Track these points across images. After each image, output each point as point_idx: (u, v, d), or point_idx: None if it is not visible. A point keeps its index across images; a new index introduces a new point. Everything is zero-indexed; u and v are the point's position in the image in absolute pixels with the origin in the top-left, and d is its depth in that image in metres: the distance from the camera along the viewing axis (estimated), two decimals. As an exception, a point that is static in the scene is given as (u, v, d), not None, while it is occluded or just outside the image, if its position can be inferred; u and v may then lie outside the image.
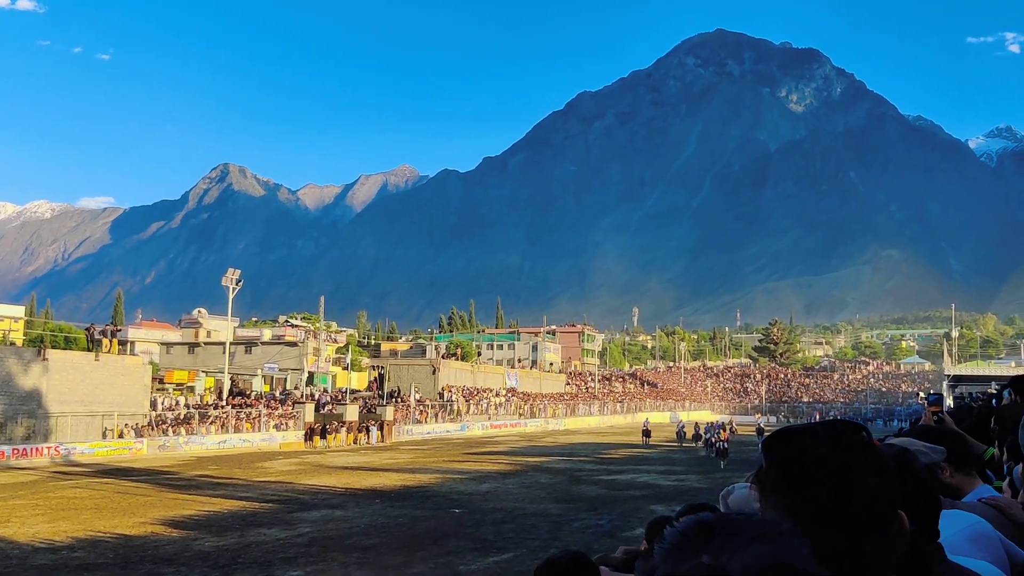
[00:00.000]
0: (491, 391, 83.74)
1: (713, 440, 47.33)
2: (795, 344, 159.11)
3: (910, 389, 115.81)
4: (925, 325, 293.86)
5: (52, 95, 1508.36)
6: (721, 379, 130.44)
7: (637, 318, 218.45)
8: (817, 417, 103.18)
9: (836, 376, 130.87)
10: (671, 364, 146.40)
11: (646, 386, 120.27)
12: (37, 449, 43.04)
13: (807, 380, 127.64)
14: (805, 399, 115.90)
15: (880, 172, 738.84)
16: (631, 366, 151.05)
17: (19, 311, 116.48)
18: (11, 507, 26.01)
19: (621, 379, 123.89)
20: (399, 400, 70.61)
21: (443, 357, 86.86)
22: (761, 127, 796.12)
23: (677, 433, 61.91)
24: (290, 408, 60.85)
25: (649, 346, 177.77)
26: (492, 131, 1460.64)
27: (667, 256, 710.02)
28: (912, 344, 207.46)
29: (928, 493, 1.91)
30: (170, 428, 52.84)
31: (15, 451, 42.01)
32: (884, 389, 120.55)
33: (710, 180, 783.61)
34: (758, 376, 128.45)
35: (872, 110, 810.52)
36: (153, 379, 60.43)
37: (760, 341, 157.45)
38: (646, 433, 59.58)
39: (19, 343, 69.84)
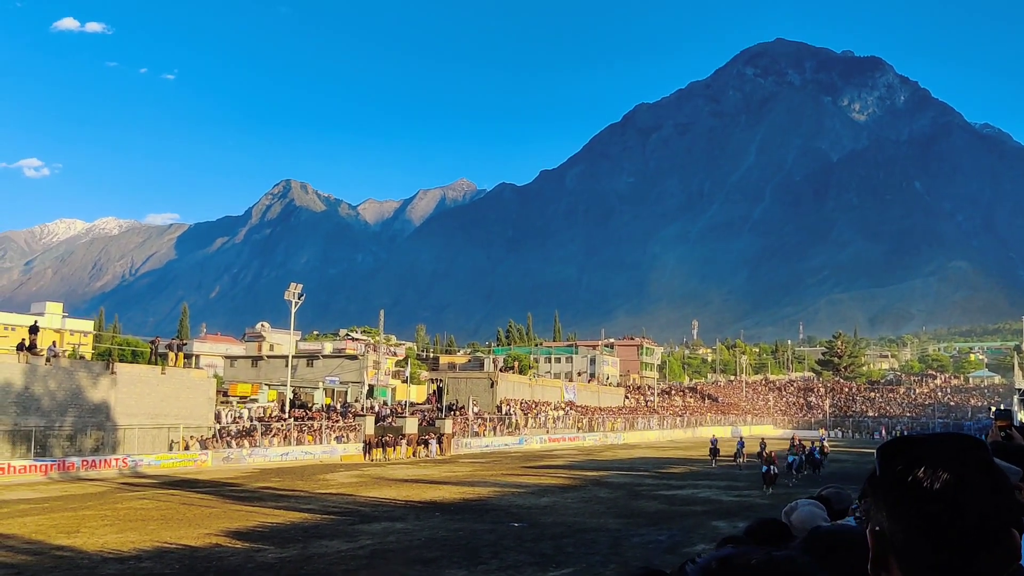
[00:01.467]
0: (549, 404, 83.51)
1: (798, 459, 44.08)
2: (859, 357, 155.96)
3: (979, 403, 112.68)
4: (994, 337, 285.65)
5: (119, 115, 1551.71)
6: (784, 393, 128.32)
7: (697, 331, 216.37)
8: (883, 432, 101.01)
9: (902, 390, 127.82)
10: (732, 378, 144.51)
11: (706, 400, 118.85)
12: (105, 461, 43.99)
13: (872, 394, 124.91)
14: (870, 414, 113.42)
15: (946, 182, 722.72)
16: (691, 380, 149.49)
17: (88, 326, 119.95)
18: (80, 517, 26.60)
19: (681, 393, 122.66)
20: (457, 413, 70.78)
21: (501, 370, 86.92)
22: (823, 137, 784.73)
23: (715, 449, 53.56)
24: (351, 420, 61.37)
25: (709, 359, 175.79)
26: (549, 144, 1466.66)
27: (727, 268, 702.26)
28: (981, 357, 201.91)
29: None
30: (234, 440, 53.61)
31: (84, 462, 42.99)
32: (952, 403, 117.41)
33: (771, 191, 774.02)
34: (822, 390, 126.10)
35: (937, 118, 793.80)
36: (217, 392, 61.41)
37: (823, 354, 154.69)
38: (714, 451, 52.19)
39: (88, 357, 71.75)
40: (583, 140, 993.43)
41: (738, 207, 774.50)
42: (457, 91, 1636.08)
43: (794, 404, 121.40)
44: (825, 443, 48.59)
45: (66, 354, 56.57)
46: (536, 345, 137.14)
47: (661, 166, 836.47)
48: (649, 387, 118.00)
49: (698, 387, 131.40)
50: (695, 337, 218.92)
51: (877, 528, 1.41)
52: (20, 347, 45.63)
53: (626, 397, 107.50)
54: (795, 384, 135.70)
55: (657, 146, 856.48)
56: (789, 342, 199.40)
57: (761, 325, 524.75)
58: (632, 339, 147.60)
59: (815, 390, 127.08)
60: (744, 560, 1.24)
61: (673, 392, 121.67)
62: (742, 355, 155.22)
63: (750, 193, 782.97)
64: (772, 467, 36.24)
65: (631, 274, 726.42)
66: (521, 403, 79.56)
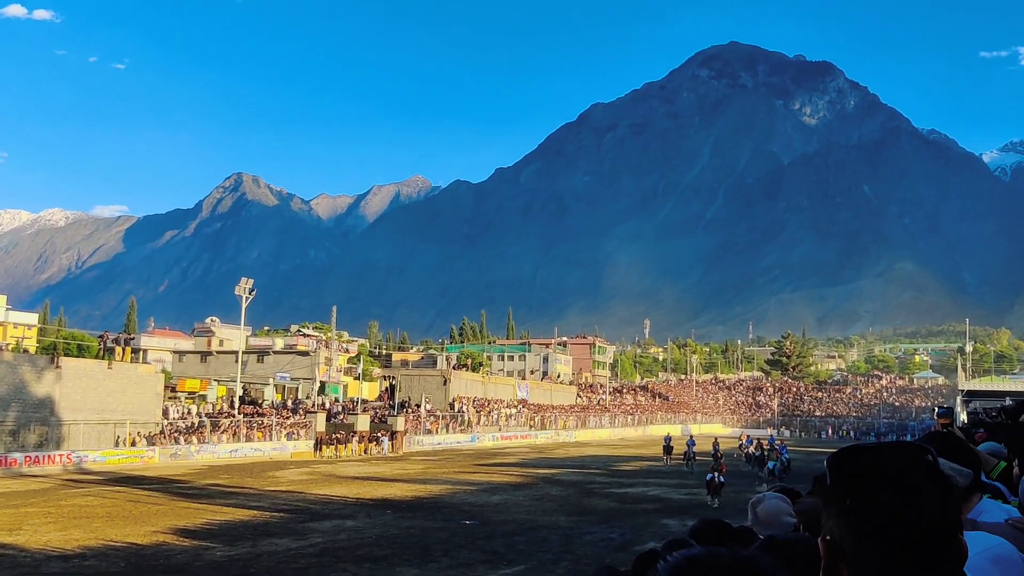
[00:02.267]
0: (502, 402, 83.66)
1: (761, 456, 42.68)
2: (808, 357, 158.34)
3: (923, 404, 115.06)
4: (939, 339, 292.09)
5: (67, 104, 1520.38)
6: (733, 392, 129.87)
7: (649, 330, 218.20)
8: (830, 432, 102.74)
9: (848, 390, 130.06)
10: (683, 377, 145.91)
11: (657, 399, 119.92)
12: (49, 457, 43.17)
13: (819, 394, 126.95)
14: (818, 413, 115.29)
15: (894, 185, 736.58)
16: (642, 378, 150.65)
17: (33, 319, 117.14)
18: (23, 515, 26.08)
19: (632, 391, 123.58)
20: (410, 410, 70.62)
21: (454, 368, 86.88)
22: (775, 140, 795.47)
23: (668, 447, 51.76)
24: (302, 417, 60.91)
25: (661, 358, 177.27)
26: (504, 142, 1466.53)
27: (680, 267, 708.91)
28: (925, 358, 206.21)
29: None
30: (182, 437, 52.94)
31: (27, 458, 42.14)
32: (897, 404, 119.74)
33: (723, 192, 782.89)
34: (770, 389, 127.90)
35: (886, 123, 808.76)
36: (165, 387, 60.60)
37: (773, 354, 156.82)
38: (668, 449, 51.02)
39: (32, 350, 70.30)
40: (539, 138, 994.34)
41: (692, 207, 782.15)
42: (412, 87, 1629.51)
43: (743, 403, 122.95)
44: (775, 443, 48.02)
45: (9, 347, 55.37)
46: (490, 343, 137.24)
47: (616, 165, 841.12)
48: (601, 385, 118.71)
49: (649, 386, 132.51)
50: (647, 336, 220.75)
51: (828, 537, 1.43)
52: (-39, 340, 44.57)
53: (578, 395, 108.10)
54: (744, 383, 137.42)
55: (612, 145, 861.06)
56: (739, 342, 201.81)
57: (712, 324, 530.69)
58: (585, 338, 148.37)
59: (764, 389, 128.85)
60: (712, 559, 1.27)
61: (625, 391, 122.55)
62: (693, 355, 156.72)
63: (703, 193, 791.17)
64: (717, 475, 31.53)
65: (585, 272, 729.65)
66: (474, 401, 79.61)
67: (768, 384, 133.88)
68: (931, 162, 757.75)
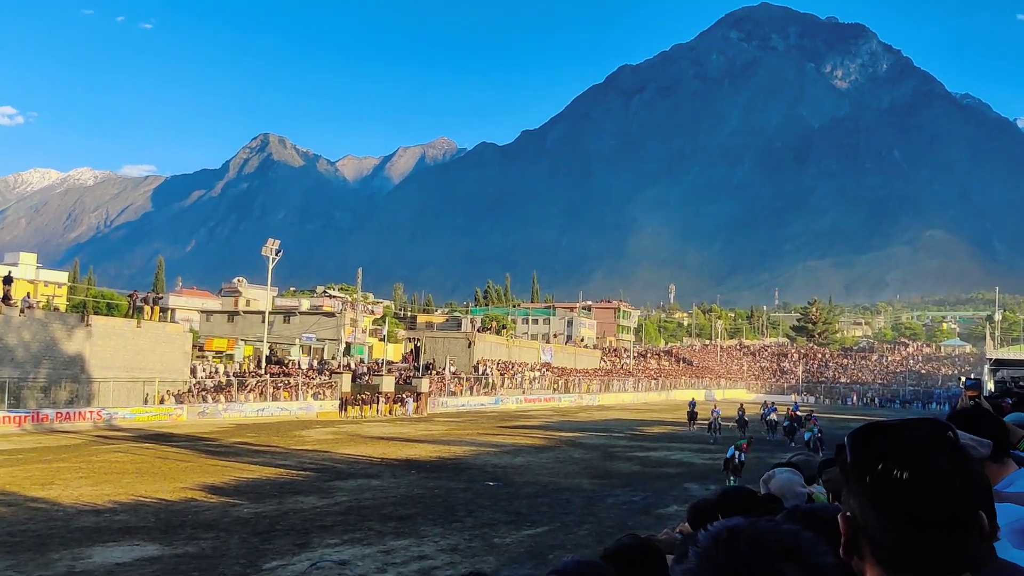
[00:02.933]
0: (526, 365, 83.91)
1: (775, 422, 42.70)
2: (834, 324, 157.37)
3: (950, 372, 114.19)
4: (967, 307, 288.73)
5: (96, 64, 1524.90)
6: (758, 358, 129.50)
7: (674, 295, 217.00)
8: (855, 398, 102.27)
9: (875, 357, 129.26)
10: (707, 342, 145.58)
11: (681, 363, 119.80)
12: (80, 413, 43.86)
13: (845, 360, 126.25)
14: (843, 380, 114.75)
15: (925, 151, 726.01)
16: (667, 343, 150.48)
17: (63, 277, 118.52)
18: (55, 470, 26.58)
19: (656, 356, 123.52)
20: (434, 372, 71.01)
21: (478, 331, 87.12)
22: (805, 103, 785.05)
23: (693, 413, 50.31)
24: (327, 378, 61.42)
25: (685, 323, 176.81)
26: (531, 105, 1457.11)
27: (706, 233, 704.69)
28: (953, 326, 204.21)
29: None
30: (209, 395, 53.58)
31: (59, 414, 42.85)
32: (923, 371, 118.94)
33: (751, 156, 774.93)
34: (795, 356, 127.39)
35: (919, 87, 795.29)
36: (193, 346, 61.22)
37: (798, 320, 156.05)
38: (692, 416, 49.94)
39: (63, 309, 71.12)
40: (565, 101, 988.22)
41: (718, 171, 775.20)
42: (439, 48, 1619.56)
43: (767, 369, 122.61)
44: (796, 411, 47.16)
45: (40, 305, 56.07)
46: (514, 306, 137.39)
47: (643, 128, 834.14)
48: (625, 350, 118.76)
49: (673, 351, 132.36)
50: (672, 301, 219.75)
51: (849, 514, 1.43)
52: (-7, 297, 45.17)
53: (602, 359, 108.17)
54: (769, 349, 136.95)
55: (639, 108, 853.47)
56: (765, 308, 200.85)
57: (738, 290, 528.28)
58: (609, 302, 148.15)
59: (789, 356, 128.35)
60: (752, 530, 1.25)
61: (649, 355, 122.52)
62: (718, 320, 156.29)
63: (731, 158, 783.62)
64: (739, 454, 27.42)
65: (610, 236, 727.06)
66: (498, 363, 79.89)
67: (793, 350, 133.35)
68: (964, 127, 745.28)
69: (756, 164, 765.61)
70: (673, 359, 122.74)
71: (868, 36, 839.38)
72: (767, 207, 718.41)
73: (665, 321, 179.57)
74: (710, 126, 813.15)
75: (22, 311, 45.30)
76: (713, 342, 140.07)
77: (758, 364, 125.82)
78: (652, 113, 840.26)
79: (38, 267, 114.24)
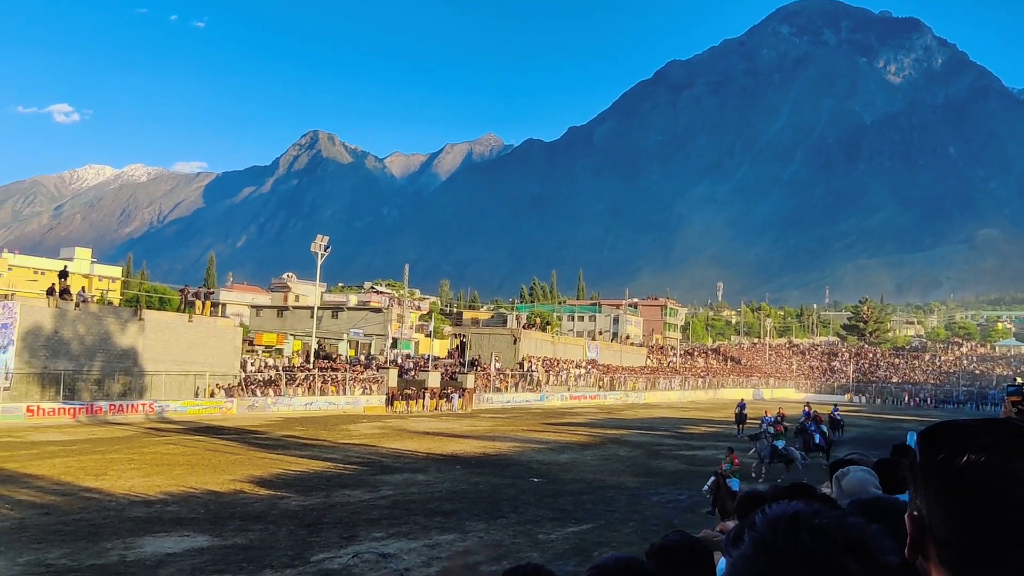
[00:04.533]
0: (571, 362, 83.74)
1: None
2: (885, 323, 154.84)
3: (1005, 372, 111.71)
4: (1023, 307, 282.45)
5: (149, 62, 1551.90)
6: (807, 357, 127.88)
7: (722, 293, 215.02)
8: (907, 398, 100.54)
9: (927, 357, 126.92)
10: (756, 340, 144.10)
11: (729, 362, 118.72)
12: (132, 406, 44.66)
13: (896, 360, 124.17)
14: (894, 380, 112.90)
15: (981, 147, 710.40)
16: (714, 341, 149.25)
17: (116, 272, 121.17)
18: (108, 460, 27.09)
19: (704, 354, 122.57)
20: (479, 368, 71.16)
21: (524, 327, 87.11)
22: (857, 98, 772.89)
23: (742, 415, 46.60)
24: (374, 373, 61.86)
25: (733, 321, 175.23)
26: (578, 101, 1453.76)
27: (755, 230, 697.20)
28: (1008, 326, 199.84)
29: None
30: (259, 389, 54.23)
31: (112, 407, 43.68)
32: (977, 372, 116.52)
33: (802, 153, 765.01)
34: (846, 355, 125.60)
35: (974, 82, 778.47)
36: (243, 341, 62.00)
37: (849, 319, 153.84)
38: (741, 418, 46.08)
39: (116, 303, 72.55)
40: (613, 96, 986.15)
41: (768, 168, 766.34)
42: (486, 44, 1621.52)
43: (817, 368, 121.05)
44: (836, 413, 45.27)
45: (95, 299, 57.25)
46: (559, 303, 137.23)
47: (691, 124, 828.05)
48: (672, 348, 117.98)
49: (721, 349, 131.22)
50: (720, 299, 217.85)
51: (916, 513, 1.37)
52: (50, 291, 46.19)
53: (648, 357, 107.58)
54: (819, 348, 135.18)
55: (688, 104, 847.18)
56: (815, 306, 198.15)
57: (787, 288, 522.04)
58: (656, 299, 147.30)
59: (839, 355, 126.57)
60: (814, 520, 1.17)
61: (696, 353, 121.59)
62: (767, 318, 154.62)
63: (781, 154, 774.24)
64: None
65: (657, 234, 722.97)
66: (543, 360, 79.82)
67: (844, 349, 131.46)
68: (1021, 123, 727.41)
69: (806, 160, 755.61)
70: (721, 358, 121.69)
71: (923, 30, 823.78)
72: (817, 204, 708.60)
73: (713, 319, 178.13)
74: (760, 122, 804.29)
75: (77, 305, 46.26)
76: (762, 340, 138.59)
77: (807, 363, 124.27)
78: (701, 109, 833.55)
79: (93, 262, 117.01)
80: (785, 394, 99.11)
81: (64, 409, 41.46)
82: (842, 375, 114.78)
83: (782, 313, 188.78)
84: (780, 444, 28.75)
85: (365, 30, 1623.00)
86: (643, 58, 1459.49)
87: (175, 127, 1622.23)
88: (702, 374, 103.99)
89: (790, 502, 1.25)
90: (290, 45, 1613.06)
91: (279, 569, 14.20)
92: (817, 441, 32.35)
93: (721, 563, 2.67)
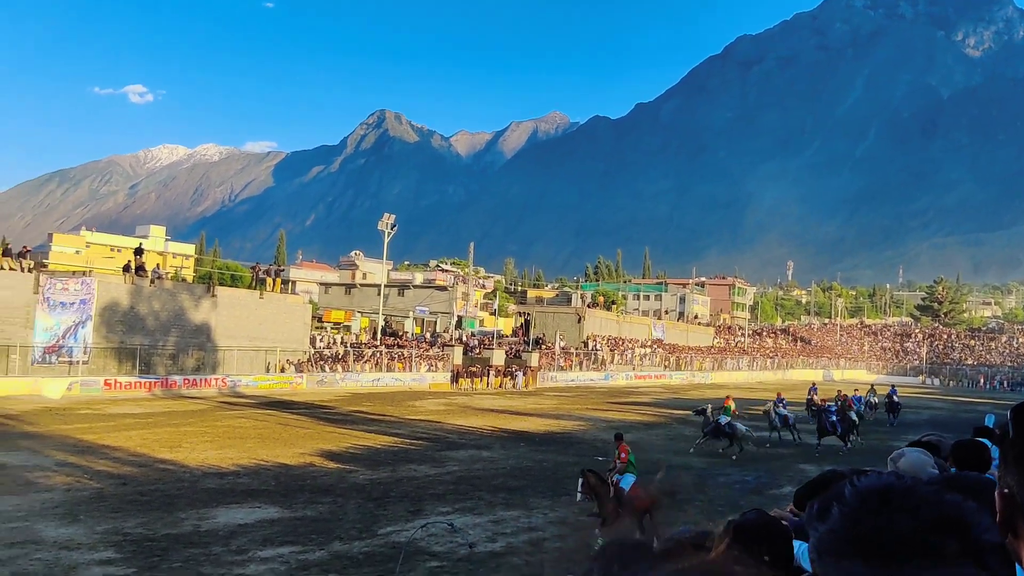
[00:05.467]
0: (636, 341, 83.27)
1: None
2: (961, 304, 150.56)
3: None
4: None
5: (220, 43, 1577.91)
6: (879, 338, 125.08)
7: (792, 272, 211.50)
8: (982, 381, 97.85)
9: (1004, 339, 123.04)
10: (826, 321, 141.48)
11: (799, 342, 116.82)
12: (206, 380, 45.77)
13: (972, 342, 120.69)
14: (969, 362, 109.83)
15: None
16: (783, 321, 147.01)
17: (190, 249, 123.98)
18: (182, 433, 27.83)
19: (772, 334, 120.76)
20: (544, 347, 71.24)
21: (589, 306, 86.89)
22: (934, 72, 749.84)
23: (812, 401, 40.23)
24: (439, 350, 62.38)
25: (803, 301, 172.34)
26: (645, 77, 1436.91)
27: (826, 208, 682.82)
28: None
29: None
30: (327, 365, 55.13)
31: (186, 381, 44.83)
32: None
33: (876, 128, 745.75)
34: (919, 336, 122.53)
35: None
36: (312, 317, 63.02)
37: (923, 300, 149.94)
38: (812, 405, 39.16)
39: (190, 279, 74.23)
40: (681, 73, 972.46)
41: (840, 144, 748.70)
42: (552, 21, 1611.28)
43: (889, 349, 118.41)
44: (895, 395, 42.90)
45: (169, 276, 58.61)
46: (625, 282, 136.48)
47: (761, 100, 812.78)
48: (740, 327, 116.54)
49: (790, 329, 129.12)
50: (790, 278, 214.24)
51: (1006, 491, 1.29)
52: (126, 268, 47.46)
53: (715, 337, 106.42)
54: (892, 329, 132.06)
55: (758, 79, 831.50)
56: (888, 286, 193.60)
57: (859, 268, 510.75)
58: (724, 278, 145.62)
59: (912, 336, 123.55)
60: (908, 495, 1.11)
61: (764, 333, 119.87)
62: (838, 298, 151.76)
63: (853, 130, 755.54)
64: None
65: (725, 212, 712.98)
66: (608, 339, 79.52)
67: (917, 330, 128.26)
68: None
69: (880, 137, 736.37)
70: (790, 338, 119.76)
71: (1003, 2, 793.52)
72: (891, 181, 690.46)
73: (782, 299, 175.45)
74: (832, 97, 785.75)
75: (152, 281, 47.47)
76: (832, 321, 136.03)
77: (879, 344, 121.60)
78: (771, 84, 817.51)
79: (167, 240, 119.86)
80: (855, 375, 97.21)
81: (140, 383, 42.66)
82: (915, 357, 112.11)
83: (854, 293, 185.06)
84: (723, 420, 28.50)
85: (432, 9, 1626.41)
86: (712, 34, 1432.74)
87: (246, 107, 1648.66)
88: (770, 354, 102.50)
89: (880, 475, 1.19)
90: (358, 24, 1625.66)
91: (348, 541, 14.46)
92: (832, 425, 30.49)
93: (798, 546, 2.61)
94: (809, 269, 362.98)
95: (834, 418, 30.50)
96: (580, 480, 15.08)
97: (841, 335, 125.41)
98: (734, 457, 27.05)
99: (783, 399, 33.72)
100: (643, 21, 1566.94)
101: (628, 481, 14.93)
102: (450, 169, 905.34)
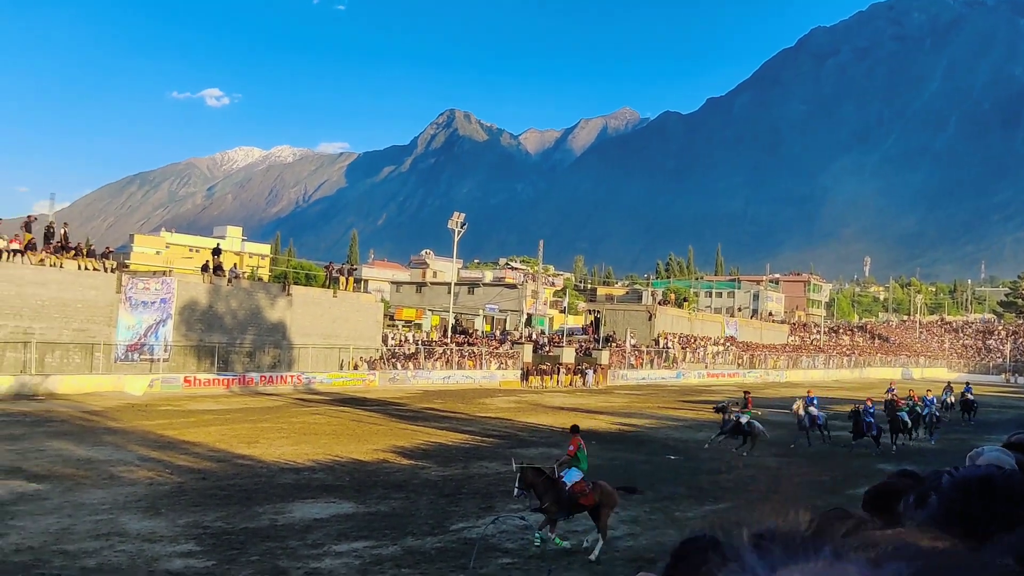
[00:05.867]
0: (708, 339, 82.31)
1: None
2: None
3: None
4: None
5: (293, 45, 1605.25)
6: (960, 335, 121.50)
7: (869, 268, 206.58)
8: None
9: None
10: (905, 317, 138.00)
11: (876, 340, 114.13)
12: (281, 377, 46.66)
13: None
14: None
15: None
16: (861, 318, 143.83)
17: (265, 249, 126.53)
18: (259, 429, 28.41)
19: (849, 332, 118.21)
20: (614, 345, 70.89)
21: (660, 303, 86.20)
22: (1016, 61, 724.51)
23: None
24: (509, 348, 62.54)
25: (881, 298, 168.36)
26: (717, 71, 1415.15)
27: (904, 202, 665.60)
28: None
29: None
30: (399, 362, 55.72)
31: (262, 378, 45.77)
32: None
33: (955, 120, 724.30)
34: (1003, 333, 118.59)
35: None
36: (384, 316, 63.74)
37: (1007, 295, 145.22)
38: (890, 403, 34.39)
39: (265, 279, 75.73)
40: (753, 66, 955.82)
41: (919, 136, 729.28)
42: (622, 16, 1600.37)
43: (971, 347, 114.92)
44: (969, 393, 41.34)
45: (246, 276, 59.88)
46: (697, 279, 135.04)
47: (836, 93, 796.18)
48: (815, 325, 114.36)
49: (868, 326, 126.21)
50: (867, 274, 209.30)
51: None
52: (204, 268, 48.66)
53: (790, 334, 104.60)
54: (973, 326, 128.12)
55: (833, 72, 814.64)
56: (969, 281, 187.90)
57: (939, 263, 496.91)
58: (799, 275, 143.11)
59: (995, 333, 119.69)
60: (1010, 485, 1.08)
61: (841, 331, 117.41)
62: (917, 294, 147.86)
63: (933, 122, 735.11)
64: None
65: (800, 207, 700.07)
66: (679, 337, 78.78)
67: (1001, 327, 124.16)
68: None
69: (961, 128, 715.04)
70: (867, 335, 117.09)
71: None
72: (972, 174, 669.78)
73: (859, 295, 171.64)
74: (910, 89, 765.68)
75: (229, 281, 48.58)
76: (912, 317, 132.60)
77: (961, 342, 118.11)
78: (846, 76, 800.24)
79: (243, 240, 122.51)
80: (936, 373, 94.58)
81: (218, 380, 43.69)
82: (998, 355, 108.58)
83: (933, 289, 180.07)
84: (743, 418, 27.63)
85: (499, 7, 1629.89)
86: (785, 26, 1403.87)
87: (319, 109, 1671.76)
88: (847, 352, 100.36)
89: (978, 467, 1.16)
90: (427, 25, 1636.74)
91: (420, 537, 14.59)
92: (867, 425, 29.09)
93: None
94: (887, 265, 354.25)
95: (870, 419, 29.22)
96: (518, 476, 14.55)
97: (920, 332, 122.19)
98: (744, 454, 26.48)
99: (814, 398, 32.49)
100: (714, 15, 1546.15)
101: (572, 476, 14.36)
102: (519, 167, 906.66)
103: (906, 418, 30.92)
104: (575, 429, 16.00)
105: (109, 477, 18.96)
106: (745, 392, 30.31)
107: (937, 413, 32.56)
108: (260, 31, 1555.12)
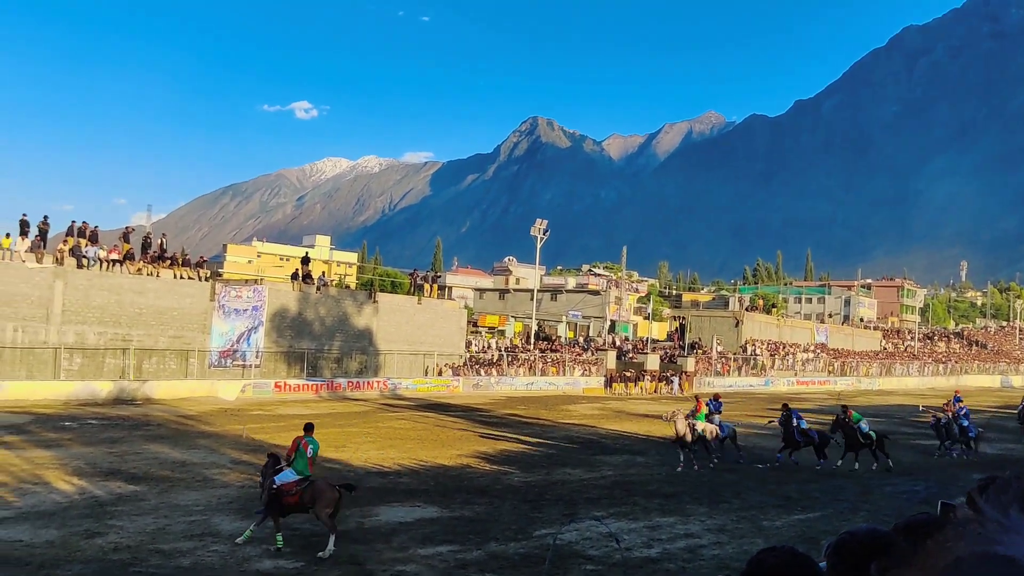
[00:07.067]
0: (798, 346, 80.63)
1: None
2: None
3: None
4: None
5: (379, 57, 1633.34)
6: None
7: (966, 272, 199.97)
8: None
9: None
10: (1004, 323, 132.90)
11: (974, 347, 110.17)
12: (368, 383, 47.46)
13: None
14: None
15: None
16: (957, 324, 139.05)
17: (352, 257, 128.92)
18: (347, 434, 28.93)
19: (945, 338, 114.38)
20: (700, 351, 70.01)
21: (747, 309, 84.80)
22: None
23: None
24: (593, 355, 62.33)
25: (979, 303, 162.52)
26: (804, 72, 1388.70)
27: (1003, 204, 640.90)
28: None
29: None
30: (483, 368, 56.06)
31: (350, 383, 46.63)
32: None
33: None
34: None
35: None
36: (468, 322, 64.25)
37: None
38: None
39: (353, 286, 77.16)
40: (843, 67, 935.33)
41: (1018, 136, 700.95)
42: (706, 19, 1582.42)
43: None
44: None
45: (333, 283, 61.12)
46: (785, 284, 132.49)
47: (929, 93, 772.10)
48: (909, 331, 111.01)
49: (965, 332, 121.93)
50: (963, 279, 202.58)
51: None
52: (294, 276, 49.87)
53: (883, 341, 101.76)
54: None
55: (926, 71, 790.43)
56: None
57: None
58: (891, 280, 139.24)
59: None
60: None
61: (936, 337, 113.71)
62: (1017, 299, 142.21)
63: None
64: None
65: (892, 210, 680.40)
66: (767, 344, 77.35)
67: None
68: None
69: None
70: (964, 342, 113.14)
71: None
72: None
73: (955, 301, 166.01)
74: (1008, 87, 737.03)
75: (318, 288, 49.63)
76: (1011, 323, 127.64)
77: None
78: (940, 76, 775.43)
79: (331, 248, 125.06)
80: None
81: (307, 385, 44.68)
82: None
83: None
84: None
85: (581, 15, 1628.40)
86: (875, 25, 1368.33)
87: (404, 119, 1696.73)
88: (943, 359, 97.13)
89: None
90: (509, 33, 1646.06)
91: (504, 542, 14.66)
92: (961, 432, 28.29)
93: None
94: (984, 269, 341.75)
95: (966, 422, 28.24)
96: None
97: (1021, 339, 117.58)
98: (740, 461, 25.53)
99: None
100: (800, 15, 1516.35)
101: (284, 476, 14.17)
102: (602, 173, 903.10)
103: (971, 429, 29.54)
104: (308, 428, 15.82)
105: (203, 480, 19.56)
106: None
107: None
108: (347, 44, 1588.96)
